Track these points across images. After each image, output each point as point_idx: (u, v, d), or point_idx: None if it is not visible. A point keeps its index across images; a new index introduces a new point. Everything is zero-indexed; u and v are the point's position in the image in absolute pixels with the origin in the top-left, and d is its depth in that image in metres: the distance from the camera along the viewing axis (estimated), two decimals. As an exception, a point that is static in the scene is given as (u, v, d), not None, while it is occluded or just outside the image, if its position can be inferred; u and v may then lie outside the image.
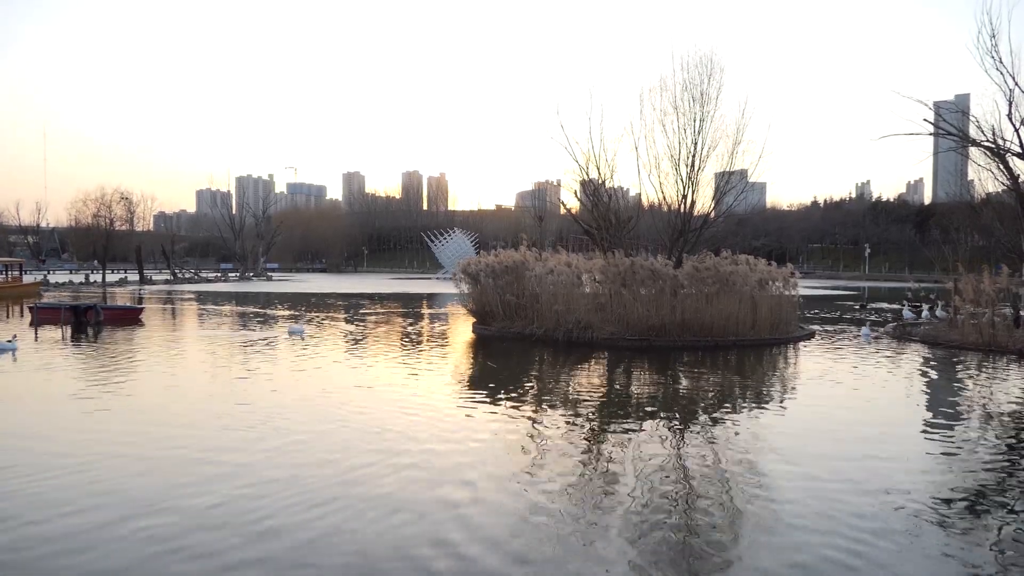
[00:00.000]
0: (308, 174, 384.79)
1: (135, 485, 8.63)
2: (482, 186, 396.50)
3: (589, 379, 18.02)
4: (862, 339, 25.22)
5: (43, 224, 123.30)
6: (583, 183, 30.90)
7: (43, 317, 30.34)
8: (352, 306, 42.35)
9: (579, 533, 7.32)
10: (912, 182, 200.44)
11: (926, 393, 16.13)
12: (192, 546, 6.81)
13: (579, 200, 33.55)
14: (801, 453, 10.65)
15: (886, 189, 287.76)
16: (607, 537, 7.23)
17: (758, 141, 44.68)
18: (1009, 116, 25.88)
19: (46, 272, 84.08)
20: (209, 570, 6.32)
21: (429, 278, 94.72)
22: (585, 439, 11.49)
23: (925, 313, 31.28)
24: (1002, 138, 26.65)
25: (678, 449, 10.92)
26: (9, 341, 20.94)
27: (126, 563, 6.47)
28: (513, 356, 21.82)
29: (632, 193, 34.81)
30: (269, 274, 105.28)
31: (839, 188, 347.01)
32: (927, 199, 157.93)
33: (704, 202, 30.04)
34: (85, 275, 78.64)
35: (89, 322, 29.00)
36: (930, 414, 13.77)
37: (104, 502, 8.00)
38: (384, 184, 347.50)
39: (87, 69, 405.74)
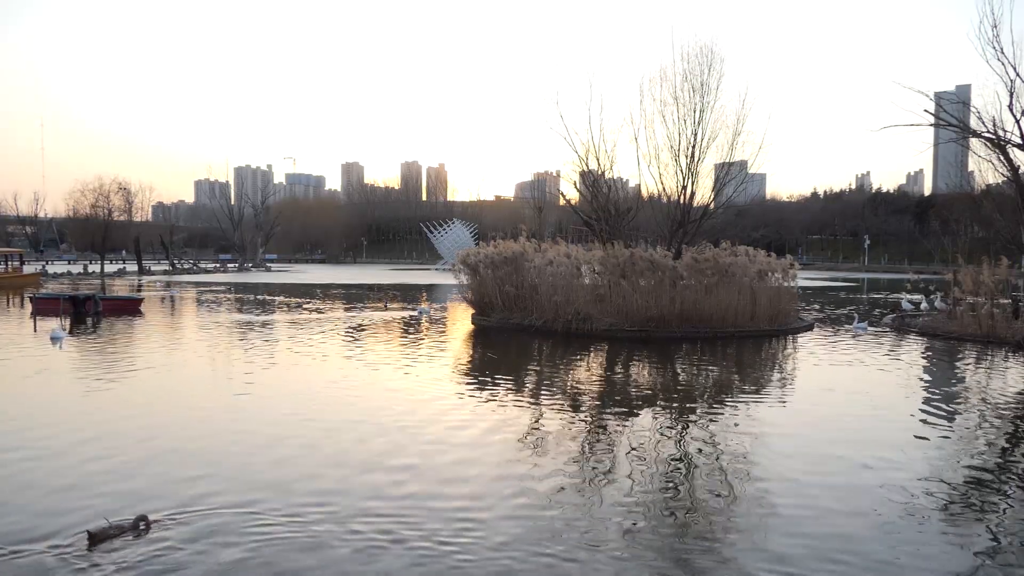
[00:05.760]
0: (307, 164, 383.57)
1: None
2: (481, 177, 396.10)
3: (588, 370, 18.02)
4: (856, 330, 25.26)
5: (41, 214, 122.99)
6: (582, 174, 30.79)
7: (42, 307, 30.34)
8: (351, 296, 42.35)
9: (577, 519, 7.37)
10: (912, 173, 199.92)
11: (923, 384, 16.15)
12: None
13: (578, 191, 33.44)
14: (798, 443, 10.68)
15: (886, 180, 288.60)
16: (605, 524, 7.27)
17: (758, 132, 44.42)
18: (1010, 107, 25.77)
19: (44, 263, 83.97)
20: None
21: (428, 269, 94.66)
22: (582, 428, 11.51)
23: (924, 304, 31.29)
24: (1003, 129, 26.56)
25: (675, 439, 10.95)
26: (60, 331, 22.03)
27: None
28: (512, 347, 21.84)
29: (632, 184, 34.63)
30: (268, 265, 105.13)
31: (839, 179, 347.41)
32: (927, 190, 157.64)
33: (703, 193, 30.00)
34: (83, 266, 78.51)
35: (88, 313, 29.00)
36: (927, 404, 13.77)
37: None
38: (383, 175, 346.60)
39: (85, 59, 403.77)
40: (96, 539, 6.65)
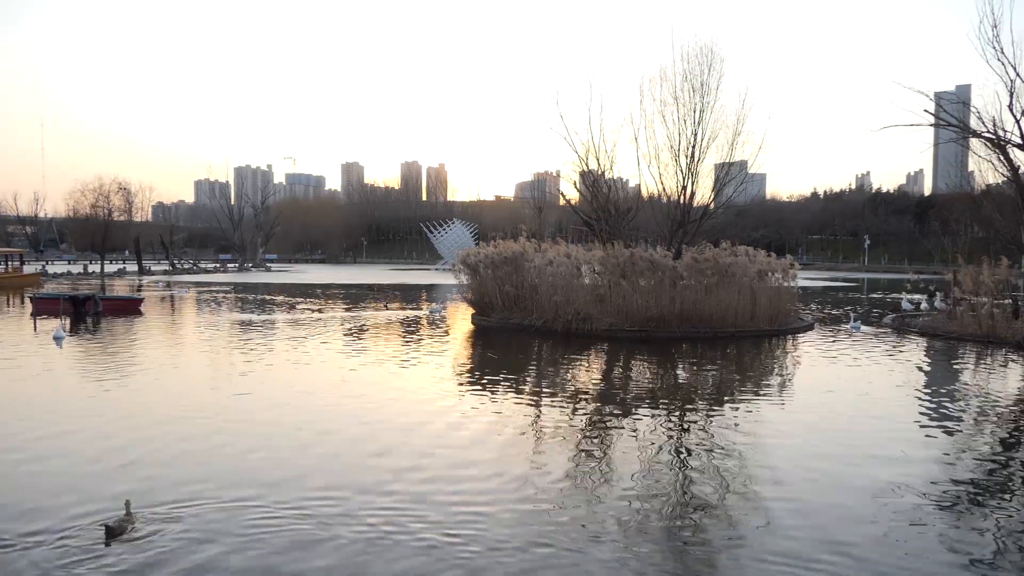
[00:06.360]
0: (307, 164, 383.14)
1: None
2: (481, 177, 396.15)
3: (588, 370, 18.03)
4: (851, 329, 25.33)
5: (41, 215, 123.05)
6: (582, 174, 30.80)
7: (42, 307, 30.36)
8: (351, 296, 42.36)
9: (577, 514, 7.38)
10: (912, 173, 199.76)
11: (923, 384, 16.14)
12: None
13: (578, 191, 33.45)
14: (798, 443, 10.68)
15: (886, 180, 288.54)
16: (605, 520, 7.28)
17: (758, 132, 44.54)
18: (1010, 107, 25.75)
19: (44, 263, 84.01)
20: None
21: (428, 269, 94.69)
22: (582, 428, 11.52)
23: (924, 304, 31.31)
24: (1003, 129, 26.53)
25: (675, 439, 10.95)
26: (62, 331, 22.05)
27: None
28: (512, 347, 21.84)
29: (632, 184, 34.66)
30: (268, 265, 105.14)
31: (839, 179, 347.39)
32: (927, 190, 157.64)
33: (703, 193, 30.01)
34: (83, 266, 78.54)
35: (88, 312, 29.01)
36: (927, 405, 13.79)
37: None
38: (383, 175, 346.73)
39: (85, 59, 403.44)
40: (113, 533, 6.79)
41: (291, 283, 60.21)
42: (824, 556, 6.56)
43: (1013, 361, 19.41)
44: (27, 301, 33.56)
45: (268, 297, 41.72)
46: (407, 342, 22.37)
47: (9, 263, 56.07)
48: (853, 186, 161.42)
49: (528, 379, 16.41)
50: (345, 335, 23.52)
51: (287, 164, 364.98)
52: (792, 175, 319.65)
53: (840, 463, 9.57)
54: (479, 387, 14.97)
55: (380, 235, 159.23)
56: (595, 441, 10.85)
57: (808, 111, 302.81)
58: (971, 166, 43.98)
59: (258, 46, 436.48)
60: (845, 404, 13.57)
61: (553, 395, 14.25)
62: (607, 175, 29.94)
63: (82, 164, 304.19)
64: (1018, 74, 25.39)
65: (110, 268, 77.57)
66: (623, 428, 11.54)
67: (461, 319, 28.65)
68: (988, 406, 13.59)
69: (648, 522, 7.45)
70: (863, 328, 25.68)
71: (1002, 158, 27.31)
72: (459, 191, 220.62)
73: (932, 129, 30.57)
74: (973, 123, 28.08)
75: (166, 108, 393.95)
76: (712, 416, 12.49)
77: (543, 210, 64.29)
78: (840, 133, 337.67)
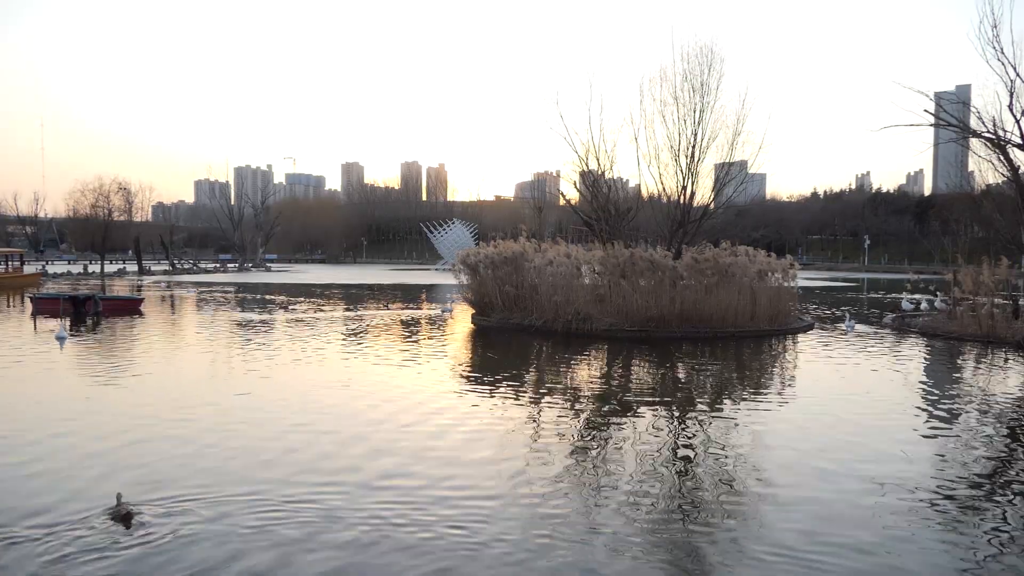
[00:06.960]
0: (307, 164, 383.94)
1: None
2: (481, 177, 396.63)
3: (588, 370, 18.03)
4: (846, 328, 25.38)
5: (41, 215, 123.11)
6: (582, 174, 30.81)
7: (42, 307, 30.38)
8: (351, 296, 42.37)
9: (576, 513, 7.40)
10: (912, 173, 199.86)
11: (924, 384, 16.15)
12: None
13: (578, 191, 33.46)
14: (798, 442, 10.68)
15: (886, 180, 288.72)
16: (604, 518, 7.29)
17: (758, 132, 44.58)
18: (1010, 107, 25.76)
19: (44, 263, 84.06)
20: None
21: (428, 269, 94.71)
22: (581, 428, 11.52)
23: (924, 304, 31.33)
24: (1003, 129, 26.55)
25: (675, 439, 10.95)
26: (63, 331, 22.06)
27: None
28: (512, 347, 21.84)
29: (632, 184, 34.68)
30: (268, 265, 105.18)
31: (839, 179, 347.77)
32: (927, 190, 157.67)
33: (703, 193, 30.03)
34: (83, 266, 78.58)
35: (88, 313, 29.01)
36: (928, 405, 13.78)
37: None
38: (383, 175, 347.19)
39: (85, 59, 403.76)
40: (129, 519, 7.06)
41: (291, 283, 60.24)
42: (823, 555, 6.57)
43: (1013, 361, 19.41)
44: (27, 301, 33.57)
45: (268, 297, 41.74)
46: (407, 342, 22.37)
47: (9, 263, 56.08)
48: (853, 186, 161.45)
49: (528, 379, 16.41)
50: (345, 335, 23.52)
51: (287, 164, 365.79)
52: (792, 175, 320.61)
53: (840, 463, 9.56)
54: (479, 387, 14.97)
55: (380, 235, 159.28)
56: (594, 440, 10.87)
57: (808, 111, 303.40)
58: (971, 166, 43.98)
59: (258, 46, 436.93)
60: (845, 404, 13.56)
61: (553, 395, 14.25)
62: (607, 175, 29.96)
63: (82, 164, 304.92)
64: (1018, 74, 25.42)
65: (110, 268, 77.59)
66: (623, 428, 11.55)
67: (461, 319, 28.65)
68: (988, 406, 13.59)
69: (647, 517, 7.46)
70: (860, 327, 25.71)
71: (1002, 158, 27.31)
72: (459, 191, 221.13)
73: (932, 129, 30.59)
74: (973, 123, 28.10)
75: (166, 108, 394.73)
76: (712, 416, 12.49)
77: (543, 210, 64.43)
78: (840, 133, 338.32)
